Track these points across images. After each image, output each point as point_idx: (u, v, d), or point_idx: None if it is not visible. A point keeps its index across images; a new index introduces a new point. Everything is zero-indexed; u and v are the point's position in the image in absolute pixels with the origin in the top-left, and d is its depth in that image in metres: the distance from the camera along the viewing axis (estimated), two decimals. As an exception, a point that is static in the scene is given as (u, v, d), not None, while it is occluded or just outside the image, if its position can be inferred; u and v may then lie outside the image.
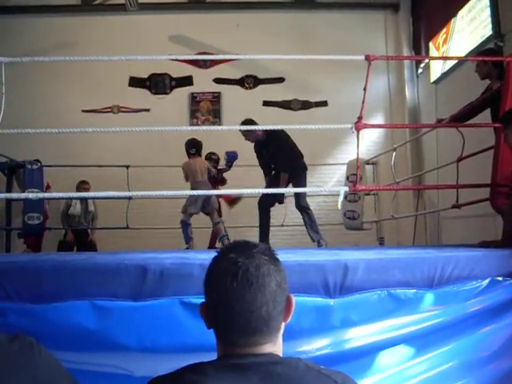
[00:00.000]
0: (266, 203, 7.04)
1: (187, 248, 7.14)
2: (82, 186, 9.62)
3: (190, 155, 7.50)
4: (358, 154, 4.48)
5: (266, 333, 1.45)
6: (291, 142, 7.01)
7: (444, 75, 10.27)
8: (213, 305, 1.49)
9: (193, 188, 7.25)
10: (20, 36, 11.44)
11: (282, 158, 6.92)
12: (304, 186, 7.11)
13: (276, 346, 1.49)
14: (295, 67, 11.47)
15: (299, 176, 7.04)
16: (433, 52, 10.74)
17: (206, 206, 7.36)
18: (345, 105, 10.47)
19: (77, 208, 9.79)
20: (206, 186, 7.25)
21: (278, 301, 1.47)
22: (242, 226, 8.72)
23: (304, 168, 7.17)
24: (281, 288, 1.48)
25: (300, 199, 7.04)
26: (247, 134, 6.97)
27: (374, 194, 9.96)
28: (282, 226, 9.39)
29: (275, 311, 1.46)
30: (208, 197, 7.21)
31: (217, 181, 7.86)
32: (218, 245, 7.65)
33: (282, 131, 6.90)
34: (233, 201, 8.09)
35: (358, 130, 4.33)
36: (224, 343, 1.49)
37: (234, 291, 1.42)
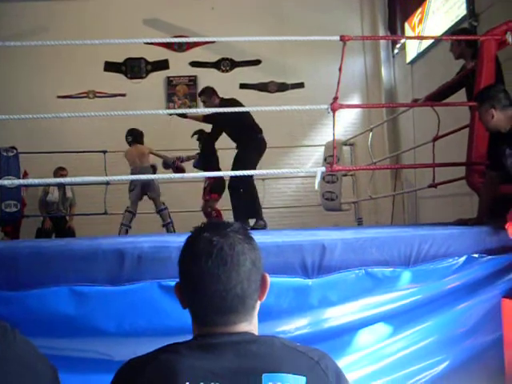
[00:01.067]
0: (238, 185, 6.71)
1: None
2: (60, 172, 9.56)
3: (128, 144, 7.90)
4: (334, 134, 4.50)
5: (242, 311, 1.46)
6: (244, 113, 6.64)
7: (420, 55, 10.30)
8: (187, 284, 1.49)
9: (132, 174, 7.55)
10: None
11: (230, 125, 6.80)
12: (247, 161, 6.47)
13: (252, 325, 1.49)
14: (271, 49, 11.44)
15: (246, 149, 6.78)
16: (408, 32, 10.76)
17: (148, 190, 7.66)
18: (322, 86, 10.45)
19: (54, 195, 9.74)
20: (145, 171, 7.46)
21: (253, 279, 1.47)
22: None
23: (256, 143, 6.85)
24: (255, 267, 1.48)
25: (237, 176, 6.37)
26: (207, 101, 6.97)
27: (351, 175, 9.97)
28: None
29: (250, 289, 1.46)
30: (148, 181, 7.34)
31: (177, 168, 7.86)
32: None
33: (236, 101, 6.85)
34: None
35: (333, 110, 4.34)
36: (199, 323, 1.49)
37: (209, 270, 1.42)
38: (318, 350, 1.46)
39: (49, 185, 9.43)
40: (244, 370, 1.33)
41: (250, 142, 6.81)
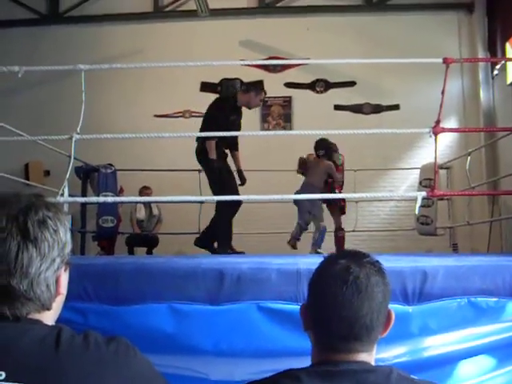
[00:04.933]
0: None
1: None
2: (145, 191, 9.75)
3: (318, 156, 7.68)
4: (435, 158, 4.40)
5: (366, 341, 1.48)
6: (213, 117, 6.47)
7: (522, 76, 9.96)
8: (318, 307, 1.51)
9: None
10: (91, 44, 11.70)
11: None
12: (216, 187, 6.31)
13: (370, 357, 1.50)
14: (366, 70, 11.34)
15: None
16: (510, 52, 10.42)
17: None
18: (417, 108, 10.34)
19: (141, 213, 9.95)
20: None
21: (382, 312, 1.51)
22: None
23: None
24: (386, 301, 1.52)
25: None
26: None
27: (447, 199, 9.73)
28: (354, 231, 9.30)
29: (378, 322, 1.49)
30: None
31: None
32: None
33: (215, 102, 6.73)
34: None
35: (435, 134, 4.25)
36: (321, 348, 1.50)
37: (343, 296, 1.45)
38: (434, 383, 1.46)
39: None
40: None
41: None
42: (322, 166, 7.51)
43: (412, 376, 1.44)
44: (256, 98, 6.71)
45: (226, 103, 6.72)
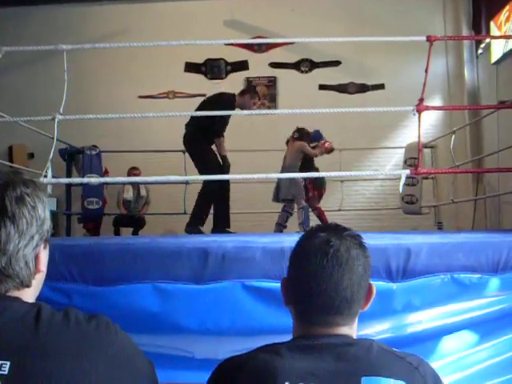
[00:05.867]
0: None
1: None
2: (133, 171, 9.72)
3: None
4: (419, 136, 4.42)
5: (347, 315, 1.48)
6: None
7: (506, 55, 9.94)
8: (298, 280, 1.51)
9: None
10: (72, 26, 11.55)
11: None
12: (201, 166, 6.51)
13: (351, 330, 1.50)
14: (351, 50, 11.32)
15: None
16: (494, 31, 10.39)
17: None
18: (402, 88, 10.32)
19: (129, 193, 9.95)
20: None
21: (363, 286, 1.50)
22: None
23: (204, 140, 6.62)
24: (366, 274, 1.52)
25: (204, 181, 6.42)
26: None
27: (432, 178, 9.77)
28: (340, 210, 9.35)
29: (359, 295, 1.49)
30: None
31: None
32: None
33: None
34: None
35: (419, 112, 4.26)
36: (302, 322, 1.51)
37: (323, 268, 1.45)
38: (416, 355, 1.45)
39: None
40: (343, 372, 1.33)
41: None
42: (295, 146, 7.59)
43: (393, 348, 1.45)
44: (250, 101, 6.87)
45: (233, 104, 6.76)
